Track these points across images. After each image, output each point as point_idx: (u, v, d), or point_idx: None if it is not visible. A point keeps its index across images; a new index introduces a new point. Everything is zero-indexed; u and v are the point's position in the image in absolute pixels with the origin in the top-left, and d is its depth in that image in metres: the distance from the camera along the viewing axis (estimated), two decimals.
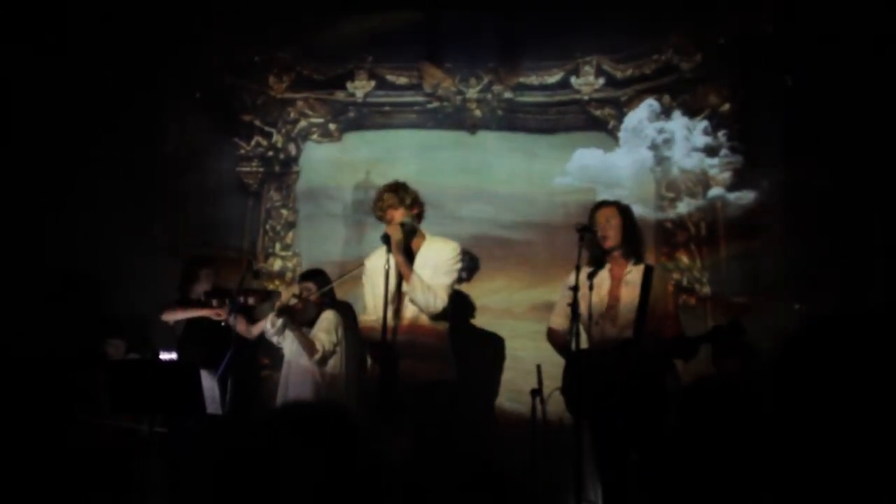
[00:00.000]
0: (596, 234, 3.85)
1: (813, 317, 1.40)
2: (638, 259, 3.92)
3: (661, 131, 5.58)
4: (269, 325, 4.68)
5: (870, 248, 4.60)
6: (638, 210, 5.27)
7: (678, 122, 5.59)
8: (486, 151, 5.87)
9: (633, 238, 3.96)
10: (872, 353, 1.31)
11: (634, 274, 3.85)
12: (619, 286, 3.85)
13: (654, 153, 5.61)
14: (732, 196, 5.44)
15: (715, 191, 5.48)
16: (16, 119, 5.07)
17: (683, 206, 5.43)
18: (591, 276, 3.70)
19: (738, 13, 5.49)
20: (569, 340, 3.74)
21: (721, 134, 5.52)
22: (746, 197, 5.39)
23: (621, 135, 5.70)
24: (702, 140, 5.54)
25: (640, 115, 5.65)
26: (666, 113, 5.62)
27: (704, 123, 5.56)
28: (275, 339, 4.77)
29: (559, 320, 3.95)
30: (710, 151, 5.52)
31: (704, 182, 5.51)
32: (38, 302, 4.91)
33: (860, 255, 4.62)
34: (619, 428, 3.63)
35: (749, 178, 5.35)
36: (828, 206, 4.82)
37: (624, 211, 3.99)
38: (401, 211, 3.90)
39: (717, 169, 5.48)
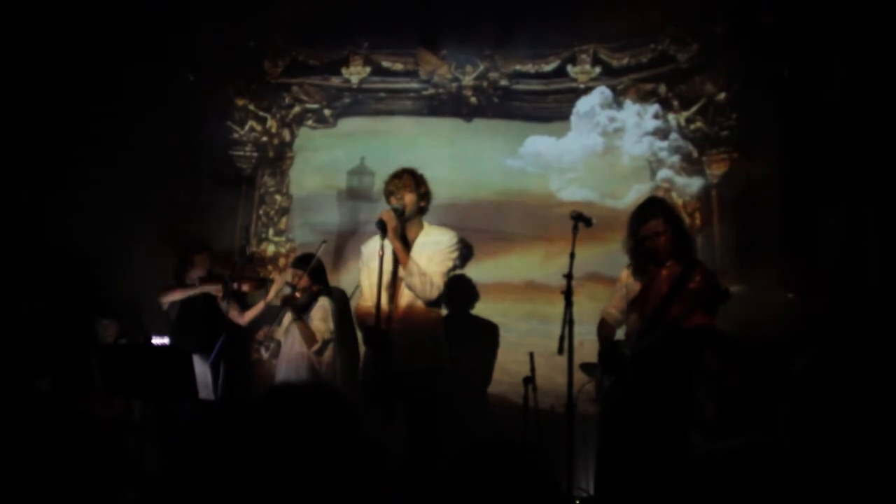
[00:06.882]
0: (644, 240, 3.66)
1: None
2: (689, 259, 3.71)
3: (612, 120, 5.56)
4: (263, 349, 4.79)
5: (863, 237, 4.61)
6: (590, 194, 5.20)
7: (629, 110, 5.57)
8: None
9: (683, 244, 3.72)
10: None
11: (674, 270, 3.66)
12: (655, 283, 3.70)
13: (604, 140, 5.60)
14: (680, 181, 5.45)
15: (663, 173, 5.49)
16: (11, 105, 5.03)
17: (633, 193, 5.37)
18: (636, 273, 3.71)
19: (735, 3, 5.47)
20: (612, 332, 3.78)
21: (671, 118, 5.53)
22: (696, 183, 5.40)
23: (572, 119, 5.68)
24: (652, 124, 5.54)
25: (593, 101, 5.63)
26: (663, 105, 5.60)
27: (655, 107, 5.55)
28: (265, 356, 4.87)
29: (612, 312, 3.89)
30: (660, 135, 5.52)
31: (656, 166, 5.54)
32: (32, 286, 4.89)
33: (853, 243, 4.63)
34: (624, 420, 3.55)
35: (743, 167, 5.35)
36: (820, 195, 4.83)
37: (672, 222, 3.70)
38: (412, 195, 3.88)
39: (667, 152, 5.48)
